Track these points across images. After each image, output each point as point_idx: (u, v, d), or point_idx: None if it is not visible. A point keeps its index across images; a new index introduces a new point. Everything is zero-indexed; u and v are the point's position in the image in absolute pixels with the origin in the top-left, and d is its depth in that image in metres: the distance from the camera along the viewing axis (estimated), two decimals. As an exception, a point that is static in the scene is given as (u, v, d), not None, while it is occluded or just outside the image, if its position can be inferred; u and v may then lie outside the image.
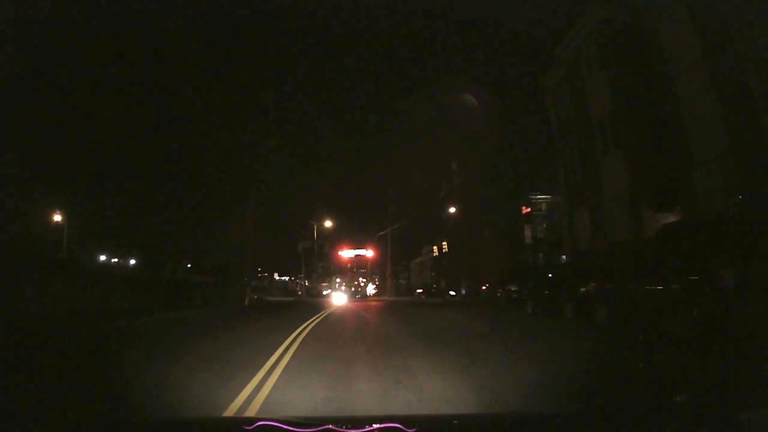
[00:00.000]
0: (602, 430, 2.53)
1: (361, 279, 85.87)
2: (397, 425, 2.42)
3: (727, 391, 4.08)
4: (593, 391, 5.25)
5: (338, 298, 45.36)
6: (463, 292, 39.64)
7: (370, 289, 72.80)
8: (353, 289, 74.88)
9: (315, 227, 57.22)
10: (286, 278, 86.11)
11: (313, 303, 34.53)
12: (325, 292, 60.55)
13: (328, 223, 56.39)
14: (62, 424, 3.00)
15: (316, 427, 2.56)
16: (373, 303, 27.93)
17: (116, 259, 67.64)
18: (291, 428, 2.43)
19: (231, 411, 4.59)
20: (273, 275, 79.57)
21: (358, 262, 79.57)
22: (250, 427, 2.39)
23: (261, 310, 21.37)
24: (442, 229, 48.66)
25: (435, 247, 53.24)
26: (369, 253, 56.72)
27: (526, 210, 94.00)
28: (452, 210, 42.38)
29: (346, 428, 2.68)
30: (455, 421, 3.18)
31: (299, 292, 60.47)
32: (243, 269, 30.20)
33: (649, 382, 5.67)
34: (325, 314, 17.75)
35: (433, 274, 56.85)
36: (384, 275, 69.82)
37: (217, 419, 4.11)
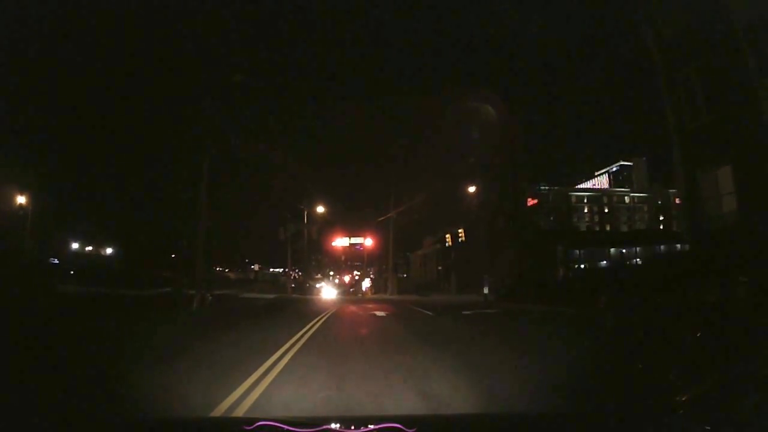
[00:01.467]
0: (603, 430, 2.44)
1: (355, 272, 76.40)
2: (397, 425, 2.28)
3: (728, 391, 3.05)
4: (594, 392, 4.93)
5: (328, 292, 42.50)
6: (485, 291, 30.16)
7: (366, 285, 63.44)
8: (347, 283, 65.50)
9: (305, 213, 47.38)
10: (280, 270, 76.21)
11: (299, 304, 25.13)
12: (318, 285, 51.95)
13: (320, 209, 46.52)
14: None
15: (316, 427, 2.46)
16: (380, 312, 17.21)
17: (89, 248, 58.71)
18: (291, 428, 2.27)
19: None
20: (254, 267, 68.99)
21: (353, 253, 70.24)
22: (250, 427, 2.25)
23: (183, 333, 11.30)
24: (455, 215, 39.16)
25: (448, 236, 43.19)
26: (368, 241, 46.45)
27: (532, 202, 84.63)
28: (472, 189, 32.76)
29: (347, 428, 2.58)
30: (455, 421, 3.08)
31: (287, 284, 49.63)
32: (195, 259, 20.45)
33: (651, 382, 5.14)
34: (289, 352, 8.24)
35: (439, 268, 46.92)
36: (381, 269, 60.51)
37: (216, 419, 3.93)
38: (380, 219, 41.45)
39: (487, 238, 32.23)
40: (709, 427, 2.16)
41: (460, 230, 39.87)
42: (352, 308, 20.58)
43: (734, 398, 2.60)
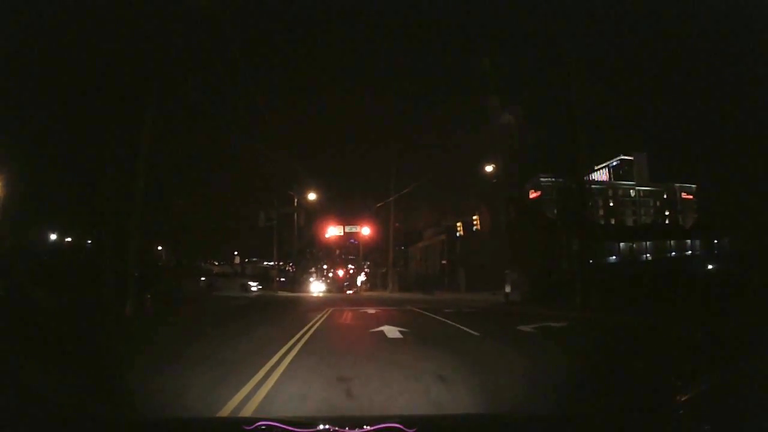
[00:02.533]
0: (603, 430, 2.36)
1: (350, 266, 70.70)
2: (397, 425, 2.18)
3: (728, 392, 2.74)
4: (594, 392, 4.74)
5: (317, 288, 41.03)
6: (507, 290, 24.65)
7: (361, 280, 57.76)
8: (341, 278, 59.91)
9: (295, 199, 41.30)
10: (272, 263, 70.05)
11: (276, 309, 19.44)
12: (310, 280, 46.56)
13: (311, 195, 40.37)
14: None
15: (316, 426, 2.40)
16: (390, 329, 9.99)
17: (69, 239, 53.08)
18: (291, 428, 2.19)
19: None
20: (234, 259, 62.45)
21: (348, 247, 64.52)
22: (249, 427, 2.15)
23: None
24: (463, 203, 33.42)
25: (460, 224, 37.13)
26: (365, 230, 40.22)
27: (534, 194, 78.37)
28: (489, 168, 26.90)
29: (346, 428, 2.42)
30: (455, 421, 2.93)
31: (274, 279, 42.11)
32: (131, 251, 14.48)
33: (651, 383, 4.97)
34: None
35: (444, 262, 41.05)
36: (376, 263, 54.83)
37: (216, 419, 3.70)
38: (379, 204, 35.63)
39: (510, 226, 26.50)
40: (709, 427, 2.10)
41: (474, 217, 33.90)
42: (348, 318, 14.58)
43: (734, 398, 2.36)
